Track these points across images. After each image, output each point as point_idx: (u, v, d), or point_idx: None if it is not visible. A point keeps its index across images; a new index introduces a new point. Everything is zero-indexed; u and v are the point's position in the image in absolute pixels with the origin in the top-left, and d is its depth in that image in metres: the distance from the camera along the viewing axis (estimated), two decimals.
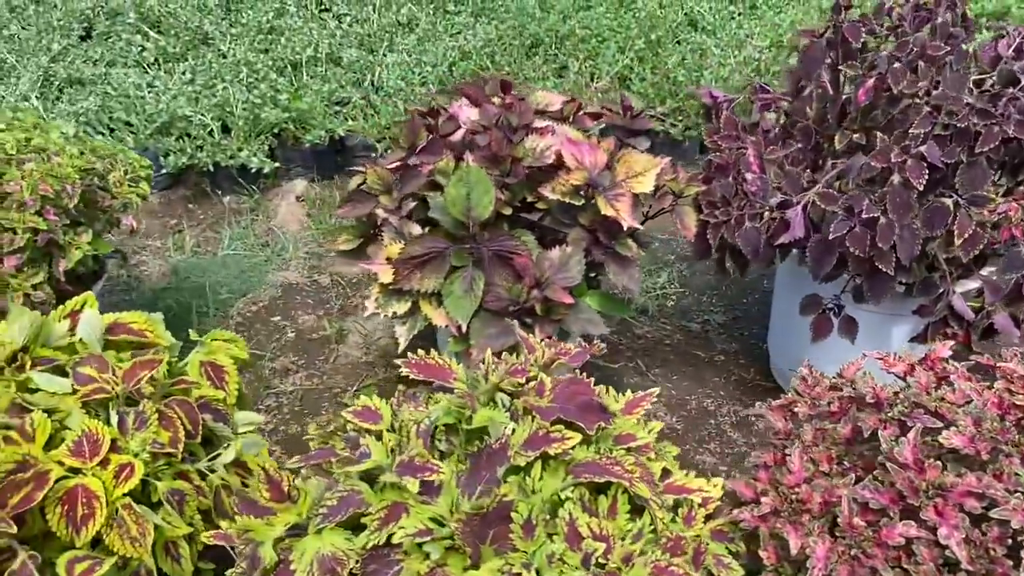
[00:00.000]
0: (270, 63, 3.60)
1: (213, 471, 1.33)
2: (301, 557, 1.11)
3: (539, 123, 1.91)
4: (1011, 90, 1.72)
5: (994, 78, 1.78)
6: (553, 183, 1.77)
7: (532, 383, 1.30)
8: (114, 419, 1.27)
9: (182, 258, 2.84)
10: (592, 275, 1.94)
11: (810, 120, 2.00)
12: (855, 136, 1.91)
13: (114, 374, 1.32)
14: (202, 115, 3.31)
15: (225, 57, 3.72)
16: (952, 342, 1.48)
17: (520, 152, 1.82)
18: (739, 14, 4.25)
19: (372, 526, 1.08)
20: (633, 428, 1.25)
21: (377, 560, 1.09)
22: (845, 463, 1.31)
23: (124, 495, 1.20)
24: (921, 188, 1.63)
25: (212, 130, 3.31)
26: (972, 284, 1.88)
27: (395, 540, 1.05)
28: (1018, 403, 1.27)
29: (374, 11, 4.21)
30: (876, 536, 1.16)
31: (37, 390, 1.32)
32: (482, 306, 1.69)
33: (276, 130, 3.38)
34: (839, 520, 1.19)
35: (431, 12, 4.25)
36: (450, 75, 3.54)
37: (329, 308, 2.62)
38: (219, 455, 1.34)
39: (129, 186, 1.87)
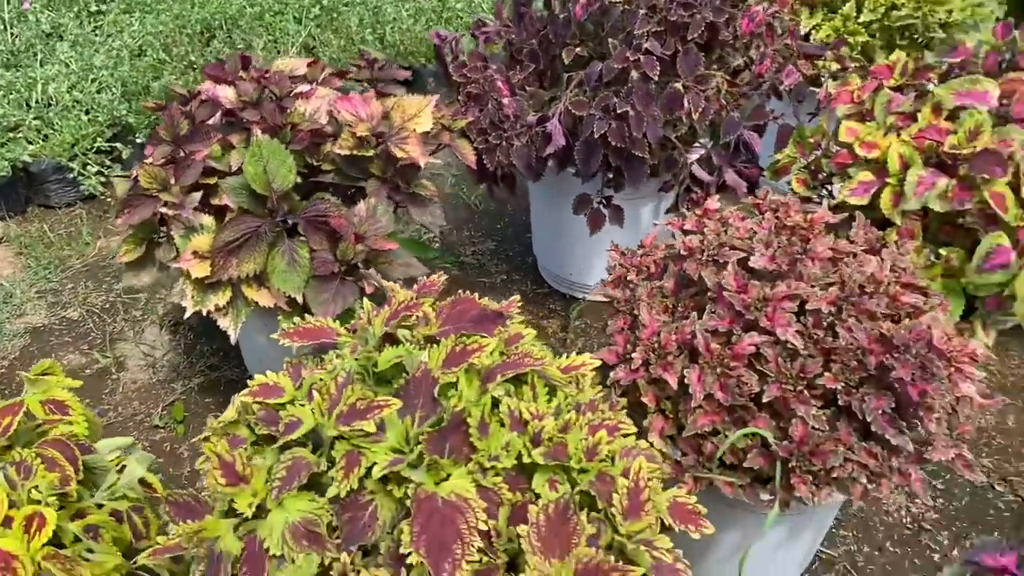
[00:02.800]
0: None
1: (116, 498, 1.25)
2: (271, 533, 1.10)
3: (300, 88, 1.92)
4: None
5: None
6: (339, 140, 1.80)
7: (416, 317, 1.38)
8: None
9: None
10: None
11: (535, 44, 2.21)
12: (578, 50, 2.15)
13: None
14: None
15: None
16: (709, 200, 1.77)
17: (296, 118, 1.82)
18: None
19: (338, 476, 1.11)
20: (517, 327, 1.38)
21: (350, 507, 1.12)
22: (679, 310, 1.55)
23: (43, 546, 1.11)
24: (656, 78, 1.90)
25: None
26: (694, 155, 2.22)
27: (375, 473, 1.09)
28: (789, 224, 1.59)
29: (4, 26, 3.77)
30: (731, 352, 1.40)
31: None
32: (312, 274, 1.69)
33: None
34: (699, 351, 1.42)
35: (74, 15, 3.90)
36: (131, 75, 3.30)
37: (93, 340, 2.41)
38: (117, 480, 1.26)
39: None
